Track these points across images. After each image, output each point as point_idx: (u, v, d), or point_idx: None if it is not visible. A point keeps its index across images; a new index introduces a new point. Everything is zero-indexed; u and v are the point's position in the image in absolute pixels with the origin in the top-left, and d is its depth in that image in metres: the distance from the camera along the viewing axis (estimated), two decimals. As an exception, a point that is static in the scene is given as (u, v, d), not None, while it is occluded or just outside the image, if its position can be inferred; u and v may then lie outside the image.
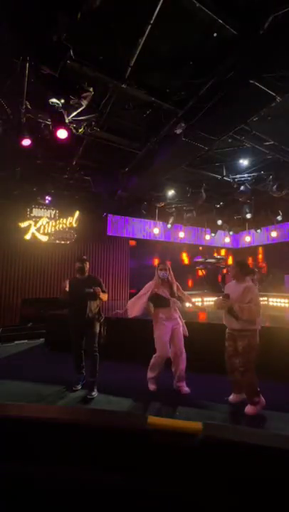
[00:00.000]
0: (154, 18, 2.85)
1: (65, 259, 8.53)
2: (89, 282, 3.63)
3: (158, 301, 3.54)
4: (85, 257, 3.91)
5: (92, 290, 3.52)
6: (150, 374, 3.58)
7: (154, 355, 3.53)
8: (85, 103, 3.53)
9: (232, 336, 3.10)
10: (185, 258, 11.31)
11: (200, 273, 10.54)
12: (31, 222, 8.07)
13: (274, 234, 10.32)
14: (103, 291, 3.64)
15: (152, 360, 3.54)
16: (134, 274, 10.03)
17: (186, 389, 3.49)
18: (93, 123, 4.66)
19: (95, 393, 3.45)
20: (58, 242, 8.44)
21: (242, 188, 7.08)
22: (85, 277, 3.72)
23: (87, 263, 3.77)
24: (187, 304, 4.10)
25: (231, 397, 3.28)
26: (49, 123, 4.35)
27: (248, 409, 3.01)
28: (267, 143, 5.44)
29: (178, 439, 0.64)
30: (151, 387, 3.56)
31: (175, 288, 3.61)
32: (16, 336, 6.67)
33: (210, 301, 9.48)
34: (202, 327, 4.49)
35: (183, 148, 4.98)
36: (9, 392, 3.65)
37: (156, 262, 10.72)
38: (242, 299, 3.00)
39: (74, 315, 3.66)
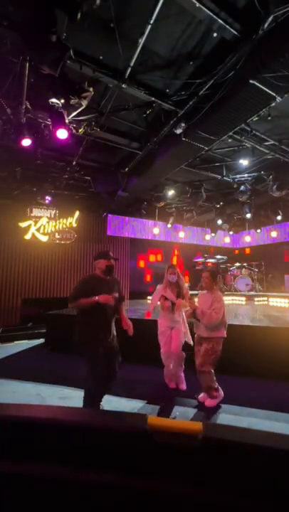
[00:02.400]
0: (154, 18, 2.85)
1: (65, 259, 8.54)
2: (115, 286, 2.77)
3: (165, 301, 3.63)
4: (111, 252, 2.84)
5: (118, 296, 2.75)
6: (165, 371, 3.69)
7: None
8: (85, 103, 3.53)
9: (199, 341, 3.25)
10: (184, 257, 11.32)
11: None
12: (31, 222, 8.07)
13: (274, 234, 10.33)
14: (122, 297, 2.88)
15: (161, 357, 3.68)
16: (134, 274, 10.04)
17: (182, 386, 3.63)
18: (93, 123, 4.66)
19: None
20: (58, 242, 8.45)
21: (242, 188, 7.08)
22: (111, 279, 2.79)
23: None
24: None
25: (201, 396, 3.34)
26: (49, 123, 4.35)
27: (208, 402, 3.20)
28: (267, 143, 5.44)
29: (178, 440, 0.64)
30: (171, 385, 3.67)
31: (184, 292, 3.63)
32: (16, 336, 6.67)
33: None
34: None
35: (183, 148, 4.99)
36: (9, 392, 3.65)
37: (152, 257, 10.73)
38: (208, 307, 3.16)
39: (98, 334, 2.58)
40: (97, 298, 2.51)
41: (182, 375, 3.66)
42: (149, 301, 8.59)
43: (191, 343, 3.51)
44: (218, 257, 10.52)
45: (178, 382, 3.65)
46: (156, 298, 3.77)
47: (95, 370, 2.56)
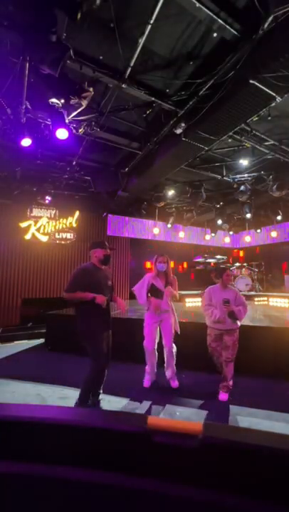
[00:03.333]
0: (154, 18, 2.85)
1: (65, 259, 8.54)
2: (108, 275, 3.04)
3: (153, 292, 3.53)
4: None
5: (111, 284, 3.00)
6: (146, 367, 3.65)
7: None
8: (85, 103, 3.53)
9: (220, 336, 3.38)
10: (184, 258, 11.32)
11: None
12: (31, 222, 8.07)
13: (274, 234, 10.33)
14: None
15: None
16: (134, 274, 10.04)
17: (175, 383, 3.57)
18: (93, 123, 4.66)
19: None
20: (58, 242, 8.45)
21: (242, 188, 7.09)
22: (106, 269, 3.04)
23: None
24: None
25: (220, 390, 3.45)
26: (49, 123, 4.35)
27: (223, 396, 3.35)
28: (267, 143, 5.45)
29: (178, 440, 0.64)
30: (146, 383, 3.65)
31: (170, 279, 3.56)
32: (16, 336, 6.67)
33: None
34: (199, 326, 4.50)
35: (183, 148, 4.99)
36: (9, 392, 3.65)
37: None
38: (235, 302, 3.31)
39: (102, 317, 2.80)
40: (92, 296, 2.67)
41: (174, 369, 3.60)
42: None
43: (179, 331, 3.55)
44: (218, 256, 10.52)
45: (170, 379, 3.60)
46: (144, 291, 3.52)
47: (99, 355, 2.70)
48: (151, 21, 2.89)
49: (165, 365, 3.60)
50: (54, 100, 3.48)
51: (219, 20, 2.88)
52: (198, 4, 2.71)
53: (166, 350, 3.55)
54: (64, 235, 8.53)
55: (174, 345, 3.57)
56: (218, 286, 3.44)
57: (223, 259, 10.43)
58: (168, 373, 3.61)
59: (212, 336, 3.41)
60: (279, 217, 9.05)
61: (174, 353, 3.58)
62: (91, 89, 3.50)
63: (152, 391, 3.57)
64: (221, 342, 3.37)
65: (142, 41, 3.12)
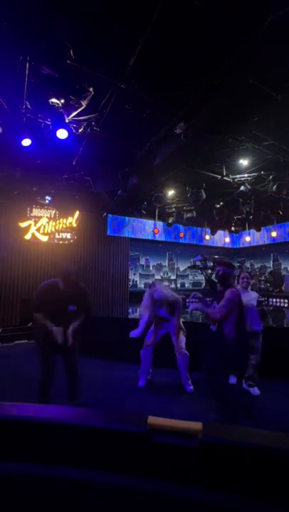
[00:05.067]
0: (154, 18, 2.85)
1: (65, 259, 8.53)
2: (75, 299, 2.79)
3: (159, 320, 3.62)
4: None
5: (77, 308, 2.79)
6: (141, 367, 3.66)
7: None
8: (85, 103, 3.53)
9: None
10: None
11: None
12: (31, 222, 8.06)
13: (274, 234, 10.34)
14: (87, 308, 2.92)
15: None
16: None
17: (189, 388, 3.54)
18: (93, 123, 4.66)
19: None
20: (57, 242, 8.44)
21: (242, 188, 7.08)
22: (73, 291, 2.79)
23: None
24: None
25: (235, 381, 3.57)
26: (49, 123, 4.35)
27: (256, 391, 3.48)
28: (266, 143, 5.44)
29: (178, 440, 0.64)
30: (142, 381, 3.68)
31: (171, 301, 3.48)
32: (16, 336, 6.67)
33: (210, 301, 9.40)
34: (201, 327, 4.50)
35: (183, 148, 4.98)
36: (9, 392, 3.64)
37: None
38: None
39: (51, 338, 2.69)
40: (51, 329, 2.68)
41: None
42: None
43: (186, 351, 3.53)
44: (217, 257, 10.52)
45: (185, 385, 3.54)
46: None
47: (44, 367, 2.81)
48: (152, 21, 2.88)
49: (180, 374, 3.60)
50: (54, 100, 3.49)
51: (219, 19, 2.87)
52: (197, 2, 2.70)
53: (180, 358, 3.53)
54: (64, 235, 8.52)
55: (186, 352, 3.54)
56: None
57: (222, 259, 10.41)
58: (183, 381, 3.59)
59: None
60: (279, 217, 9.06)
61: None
62: (91, 89, 3.50)
63: (152, 391, 3.57)
64: None
65: (142, 41, 3.12)
